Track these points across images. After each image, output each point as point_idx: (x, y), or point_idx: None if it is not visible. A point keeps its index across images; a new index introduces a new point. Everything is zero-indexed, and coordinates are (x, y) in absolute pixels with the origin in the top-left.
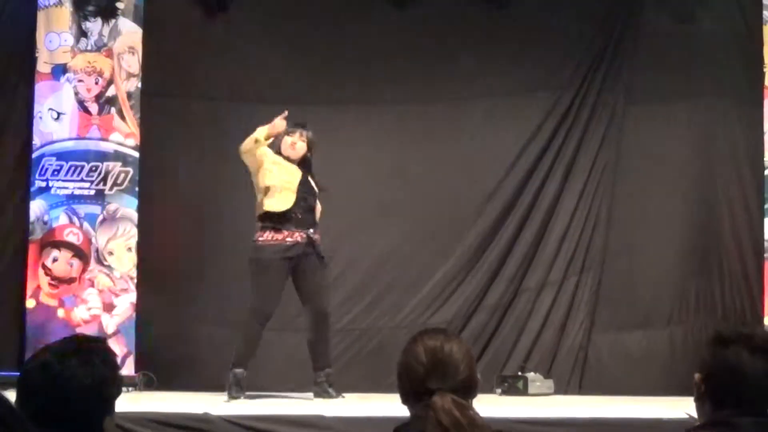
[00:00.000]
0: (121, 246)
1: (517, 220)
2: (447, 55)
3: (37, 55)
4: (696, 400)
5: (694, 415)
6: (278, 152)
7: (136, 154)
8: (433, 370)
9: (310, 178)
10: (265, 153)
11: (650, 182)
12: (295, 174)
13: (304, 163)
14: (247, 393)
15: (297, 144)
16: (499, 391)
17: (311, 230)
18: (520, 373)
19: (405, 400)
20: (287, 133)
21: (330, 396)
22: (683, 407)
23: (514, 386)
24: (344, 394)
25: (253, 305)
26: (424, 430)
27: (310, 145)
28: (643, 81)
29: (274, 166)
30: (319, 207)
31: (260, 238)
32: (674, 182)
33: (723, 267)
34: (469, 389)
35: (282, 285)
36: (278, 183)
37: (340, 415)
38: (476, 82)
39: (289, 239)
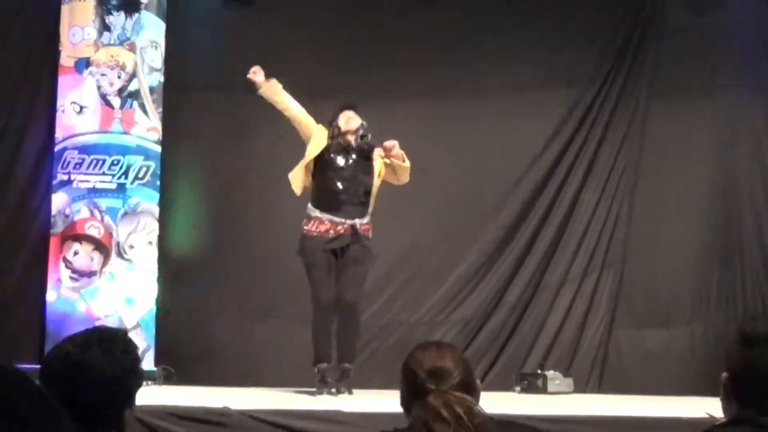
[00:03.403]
0: (141, 240)
1: (539, 215)
2: (470, 48)
3: (60, 48)
4: (722, 399)
5: (714, 414)
6: (339, 130)
7: (158, 148)
8: (429, 377)
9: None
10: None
11: (672, 178)
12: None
13: (355, 148)
14: (266, 387)
15: (351, 119)
16: (518, 389)
17: (357, 219)
18: (539, 372)
19: (406, 408)
20: (342, 108)
21: (337, 392)
22: (703, 407)
23: (534, 384)
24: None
25: (312, 295)
26: (426, 423)
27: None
28: (667, 75)
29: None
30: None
31: (305, 227)
32: (696, 178)
33: (745, 264)
34: (466, 392)
35: (329, 272)
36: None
37: (358, 410)
38: (499, 76)
39: (332, 231)
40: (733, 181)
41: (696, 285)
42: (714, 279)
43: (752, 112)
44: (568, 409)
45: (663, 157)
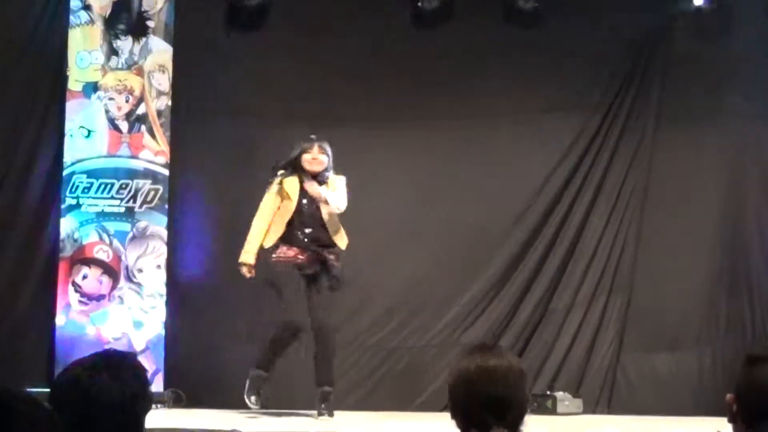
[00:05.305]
0: (150, 263)
1: (547, 240)
2: (476, 76)
3: (68, 73)
4: (729, 421)
5: None
6: (301, 168)
7: (166, 172)
8: (489, 408)
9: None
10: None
11: (679, 204)
12: (289, 209)
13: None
14: (276, 410)
15: (318, 158)
16: (527, 409)
17: (322, 248)
18: (548, 392)
19: (460, 424)
20: (304, 150)
21: (319, 413)
22: (713, 426)
23: (543, 405)
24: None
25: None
26: None
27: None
28: (673, 103)
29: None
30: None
31: (273, 255)
32: (703, 203)
33: (753, 288)
34: (521, 418)
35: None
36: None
37: None
38: (505, 103)
39: (300, 257)
40: (740, 206)
41: (704, 309)
42: (722, 304)
43: (759, 139)
44: (578, 429)
45: (670, 183)
